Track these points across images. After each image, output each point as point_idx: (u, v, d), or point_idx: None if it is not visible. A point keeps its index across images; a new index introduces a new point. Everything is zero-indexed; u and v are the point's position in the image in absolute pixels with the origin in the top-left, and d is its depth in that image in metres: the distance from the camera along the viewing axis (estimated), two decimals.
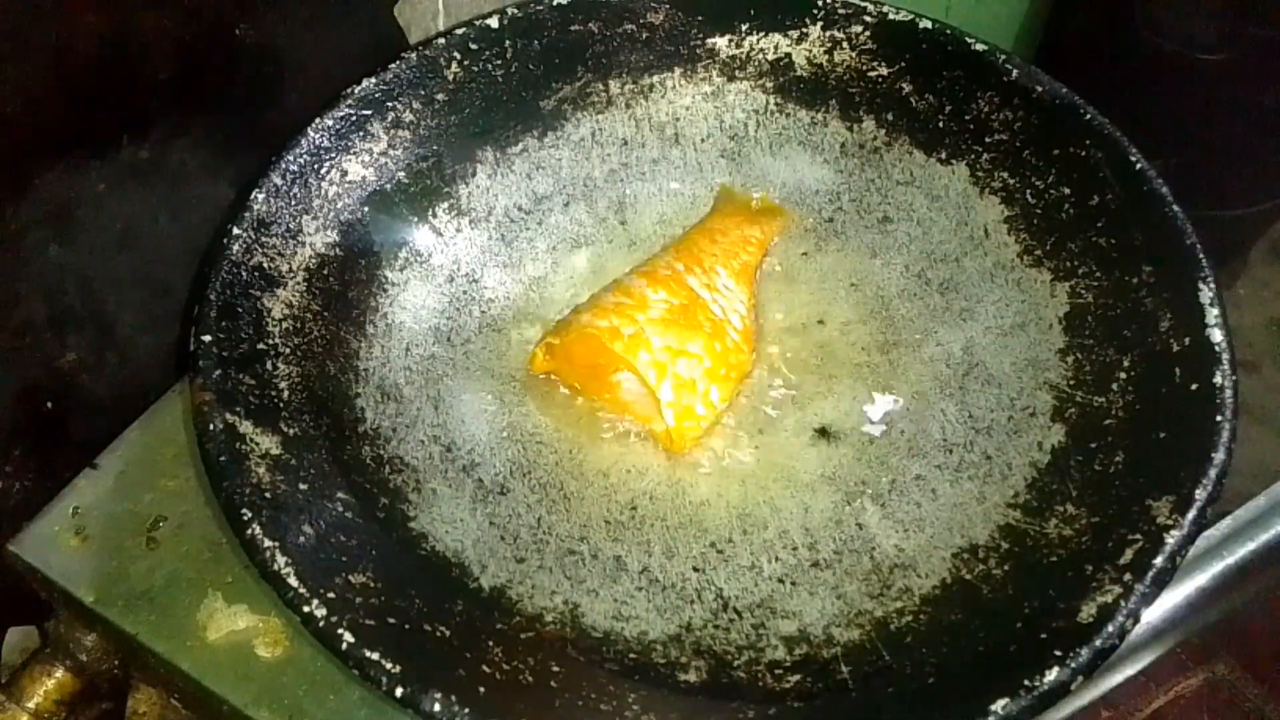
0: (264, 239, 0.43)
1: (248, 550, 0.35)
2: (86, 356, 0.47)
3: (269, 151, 0.45)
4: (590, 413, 0.46)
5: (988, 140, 0.48)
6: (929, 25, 0.49)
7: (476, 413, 0.45)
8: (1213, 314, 0.39)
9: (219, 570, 0.44)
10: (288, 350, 0.42)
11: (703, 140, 0.52)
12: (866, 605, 0.39)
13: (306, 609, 0.33)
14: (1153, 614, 0.42)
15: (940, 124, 0.49)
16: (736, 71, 0.52)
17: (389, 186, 0.47)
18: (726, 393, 0.45)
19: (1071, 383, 0.42)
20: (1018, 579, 0.38)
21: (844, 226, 0.51)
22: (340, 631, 0.33)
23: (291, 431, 0.39)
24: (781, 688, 0.36)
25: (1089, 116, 0.45)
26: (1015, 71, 0.47)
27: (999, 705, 0.32)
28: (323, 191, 0.45)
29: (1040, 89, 0.46)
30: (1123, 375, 0.41)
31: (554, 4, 0.50)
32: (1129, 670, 0.46)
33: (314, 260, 0.44)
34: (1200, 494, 0.36)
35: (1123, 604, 0.34)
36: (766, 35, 0.51)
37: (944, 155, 0.49)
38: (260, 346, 0.41)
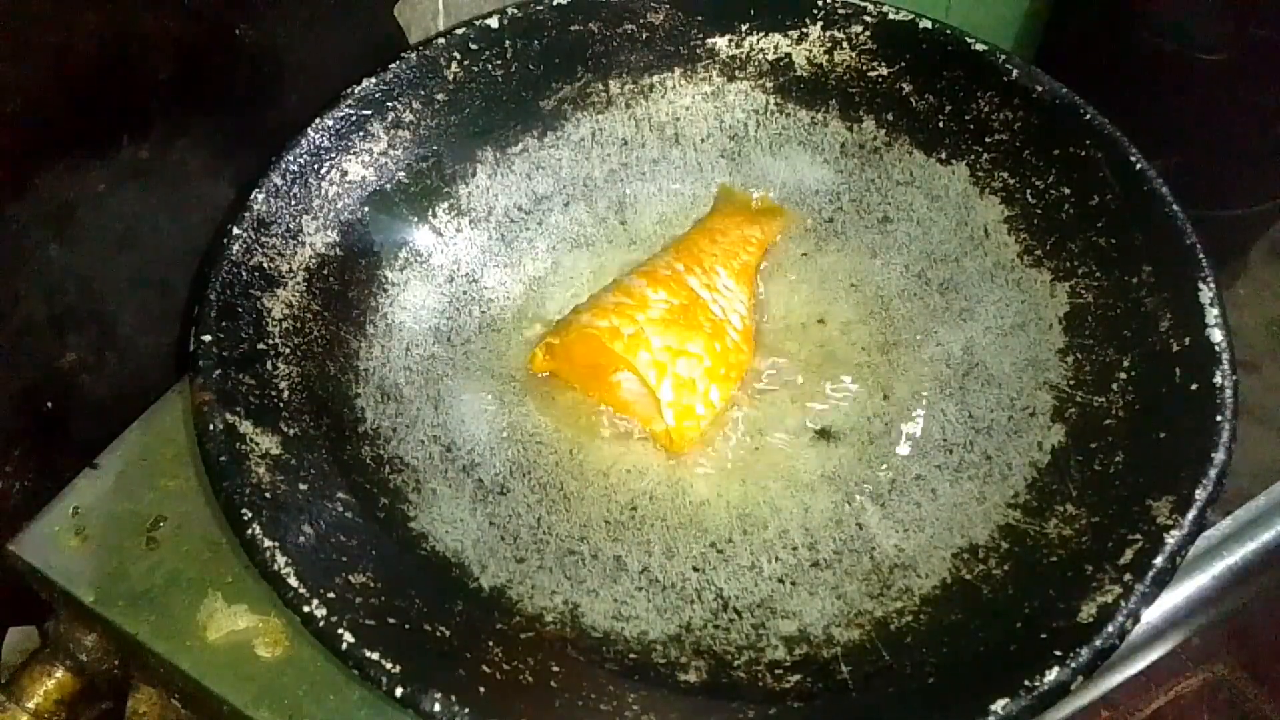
0: (264, 239, 0.43)
1: (248, 550, 0.35)
2: (86, 356, 0.47)
3: (269, 151, 0.45)
4: (590, 413, 0.46)
5: (988, 140, 0.48)
6: (929, 25, 0.49)
7: (476, 413, 0.45)
8: (1213, 314, 0.39)
9: (219, 570, 0.44)
10: (288, 350, 0.42)
11: (703, 140, 0.52)
12: (866, 605, 0.39)
13: (306, 609, 0.33)
14: (1153, 614, 0.42)
15: (940, 124, 0.49)
16: (736, 71, 0.52)
17: (389, 186, 0.47)
18: (726, 392, 0.45)
19: (1071, 383, 0.42)
20: (1018, 579, 0.38)
21: (844, 226, 0.51)
22: (340, 631, 0.33)
23: (291, 431, 0.39)
24: (781, 688, 0.36)
25: (1089, 116, 0.45)
26: (1015, 71, 0.47)
27: (999, 705, 0.32)
28: (323, 191, 0.45)
29: (1040, 89, 0.46)
30: (1123, 375, 0.41)
31: (554, 4, 0.50)
32: (1129, 670, 0.46)
33: (314, 260, 0.44)
34: (1200, 494, 0.36)
35: (1123, 604, 0.34)
36: (766, 35, 0.51)
37: (944, 155, 0.49)
38: (260, 346, 0.41)
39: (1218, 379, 0.38)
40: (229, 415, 0.38)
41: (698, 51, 0.51)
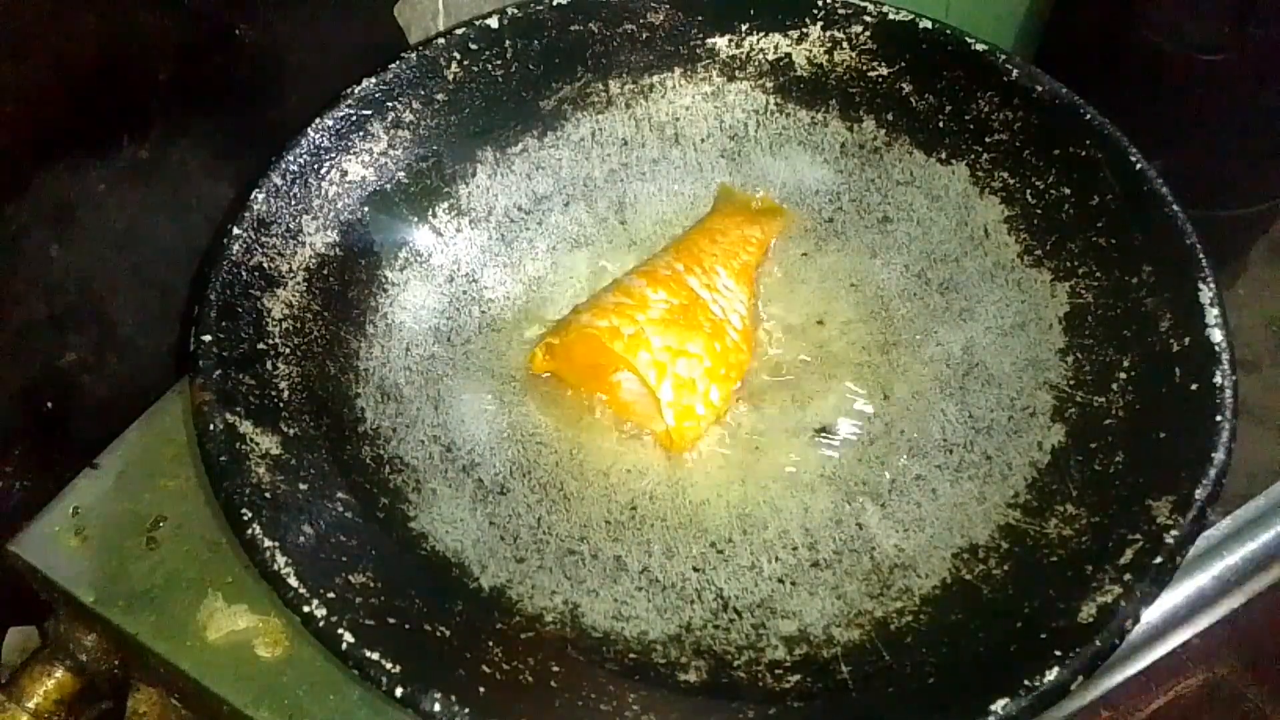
0: (264, 239, 0.43)
1: (248, 550, 0.35)
2: (86, 356, 0.47)
3: (269, 151, 0.45)
4: (590, 413, 0.46)
5: (988, 140, 0.48)
6: (929, 25, 0.49)
7: (476, 413, 0.45)
8: (1213, 314, 0.39)
9: (219, 570, 0.44)
10: (288, 350, 0.42)
11: (703, 140, 0.52)
12: (866, 605, 0.39)
13: (306, 609, 0.33)
14: (1153, 614, 0.42)
15: (940, 124, 0.49)
16: (736, 71, 0.52)
17: (389, 186, 0.47)
18: (726, 392, 0.45)
19: (1071, 383, 0.42)
20: (1018, 579, 0.38)
21: (844, 226, 0.51)
22: (340, 631, 0.33)
23: (291, 431, 0.39)
24: (781, 688, 0.36)
25: (1089, 116, 0.45)
26: (1015, 71, 0.47)
27: (999, 705, 0.32)
28: (323, 191, 0.45)
29: (1040, 89, 0.46)
30: (1123, 375, 0.41)
31: (554, 4, 0.50)
32: (1129, 670, 0.46)
33: (314, 260, 0.44)
34: (1200, 494, 0.36)
35: (1123, 604, 0.34)
36: (766, 35, 0.51)
37: (944, 155, 0.49)
38: (260, 346, 0.41)
39: (1218, 379, 0.38)
40: (229, 415, 0.38)
41: (698, 51, 0.51)
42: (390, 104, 0.47)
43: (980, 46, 0.48)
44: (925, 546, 0.40)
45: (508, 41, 0.49)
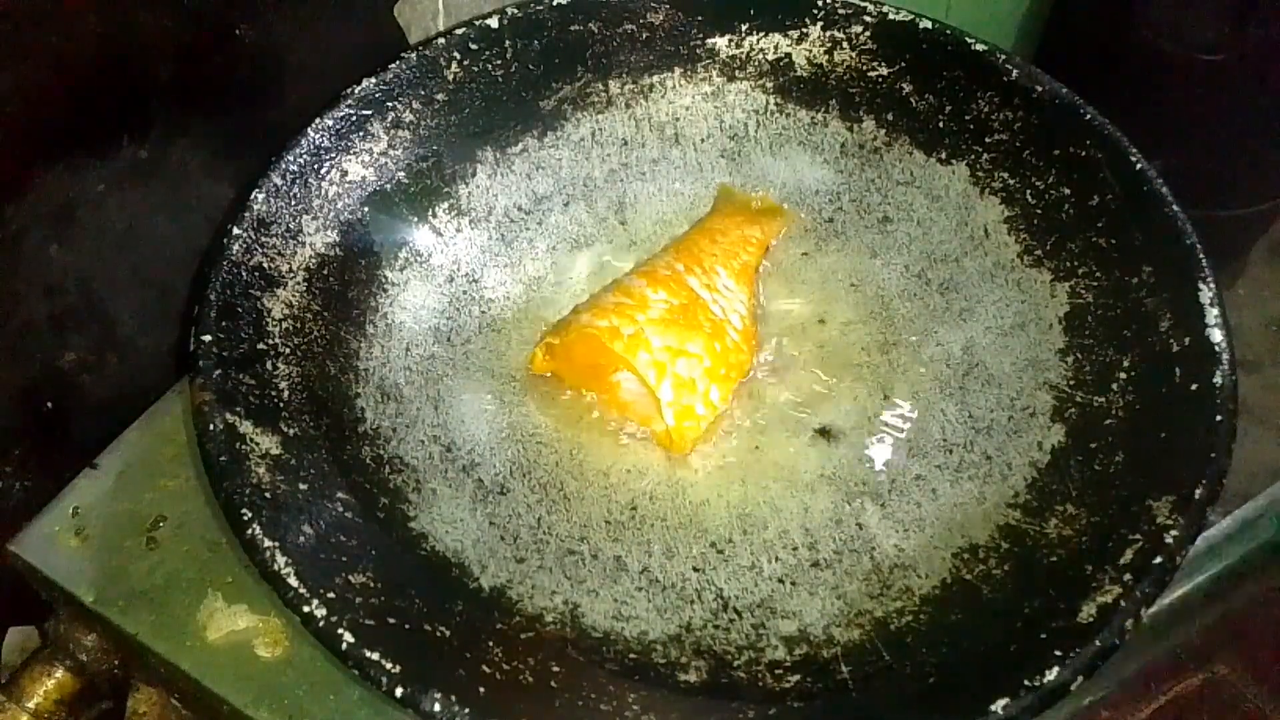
0: (264, 239, 0.43)
1: (248, 550, 0.35)
2: (86, 356, 0.47)
3: (269, 151, 0.45)
4: (590, 413, 0.46)
5: (988, 140, 0.48)
6: (929, 25, 0.49)
7: (476, 413, 0.45)
8: (1213, 314, 0.39)
9: (219, 570, 0.44)
10: (288, 350, 0.42)
11: (703, 140, 0.52)
12: (866, 605, 0.39)
13: (306, 609, 0.33)
14: (1153, 614, 0.42)
15: (940, 124, 0.49)
16: (736, 71, 0.52)
17: (389, 186, 0.47)
18: (726, 392, 0.45)
19: (1071, 383, 0.42)
20: (1018, 579, 0.38)
21: (844, 226, 0.51)
22: (340, 631, 0.33)
23: (291, 431, 0.39)
24: (781, 688, 0.36)
25: (1089, 116, 0.45)
26: (1015, 71, 0.47)
27: (999, 705, 0.32)
28: (323, 191, 0.45)
29: (1040, 89, 0.46)
30: (1123, 375, 0.41)
31: (554, 4, 0.50)
32: (1129, 670, 0.46)
33: (314, 260, 0.44)
34: (1200, 494, 0.36)
35: (1123, 604, 0.34)
36: (766, 35, 0.51)
37: (944, 155, 0.49)
38: (260, 346, 0.41)
39: (1218, 379, 0.38)
40: (229, 415, 0.38)
41: (698, 51, 0.51)
42: (390, 104, 0.47)
43: (980, 46, 0.48)
44: (925, 546, 0.40)
45: (508, 41, 0.49)
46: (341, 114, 0.46)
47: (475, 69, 0.49)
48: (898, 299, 0.48)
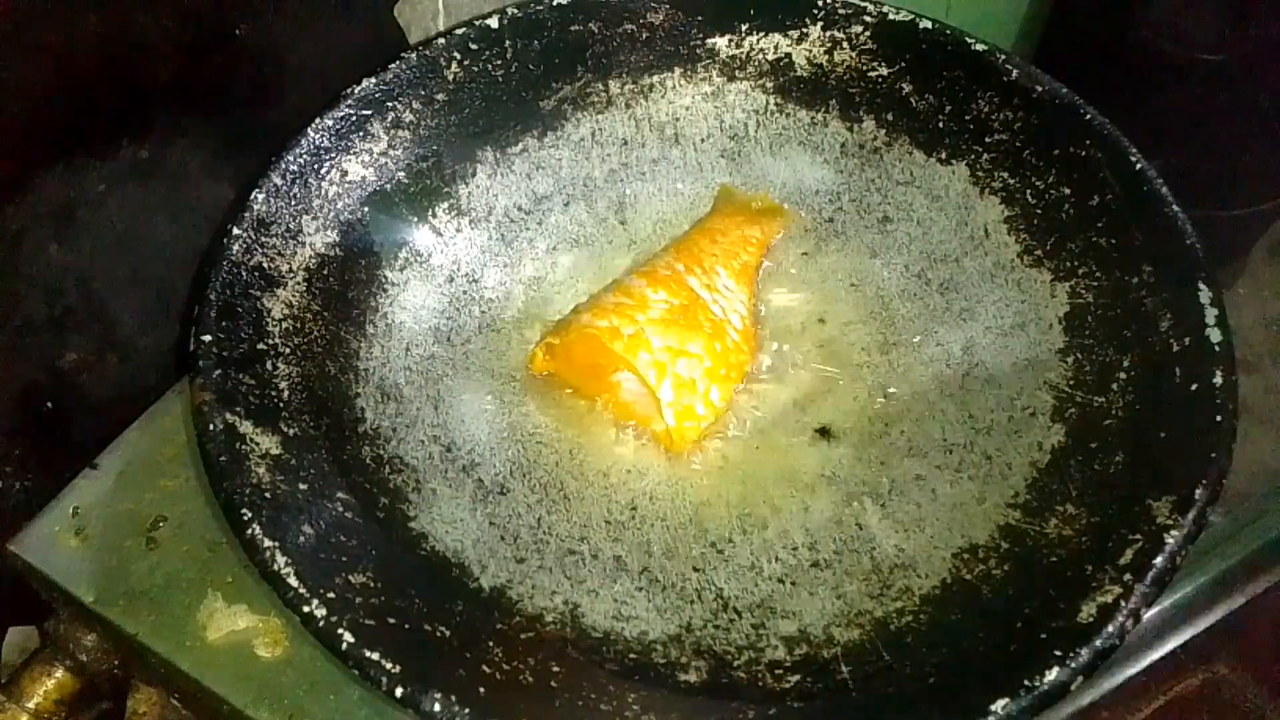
0: (264, 239, 0.43)
1: (248, 550, 0.35)
2: (86, 356, 0.47)
3: (269, 151, 0.45)
4: (590, 413, 0.46)
5: (988, 140, 0.48)
6: (929, 25, 0.49)
7: (476, 413, 0.45)
8: (1213, 314, 0.39)
9: (219, 570, 0.44)
10: (288, 350, 0.42)
11: (703, 140, 0.52)
12: (866, 605, 0.39)
13: (306, 609, 0.33)
14: (1153, 614, 0.42)
15: (940, 124, 0.49)
16: (736, 71, 0.52)
17: (389, 186, 0.47)
18: (726, 393, 0.45)
19: (1071, 383, 0.42)
20: (1018, 579, 0.38)
21: (844, 226, 0.51)
22: (340, 631, 0.33)
23: (291, 431, 0.39)
24: (781, 688, 0.36)
25: (1089, 116, 0.45)
26: (1015, 71, 0.47)
27: (999, 705, 0.32)
28: (323, 191, 0.45)
29: (1040, 89, 0.46)
30: (1123, 375, 0.41)
31: (554, 4, 0.50)
32: (1129, 670, 0.46)
33: (314, 260, 0.44)
34: (1200, 494, 0.36)
35: (1123, 604, 0.34)
36: (766, 35, 0.51)
37: (944, 155, 0.49)
38: (260, 346, 0.41)
39: (1218, 379, 0.38)
40: (229, 415, 0.38)
41: (698, 51, 0.51)
42: (390, 104, 0.47)
43: (980, 46, 0.48)
44: (925, 546, 0.40)
45: (508, 41, 0.49)
46: (341, 114, 0.46)
47: (475, 69, 0.49)
48: (898, 299, 0.48)
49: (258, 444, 0.38)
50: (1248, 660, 0.48)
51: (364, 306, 0.46)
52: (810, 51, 0.51)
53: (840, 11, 0.50)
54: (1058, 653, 0.33)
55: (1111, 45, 0.58)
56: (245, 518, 0.35)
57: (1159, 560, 0.35)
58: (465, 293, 0.48)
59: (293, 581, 0.34)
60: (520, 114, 0.50)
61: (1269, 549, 0.48)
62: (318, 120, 0.46)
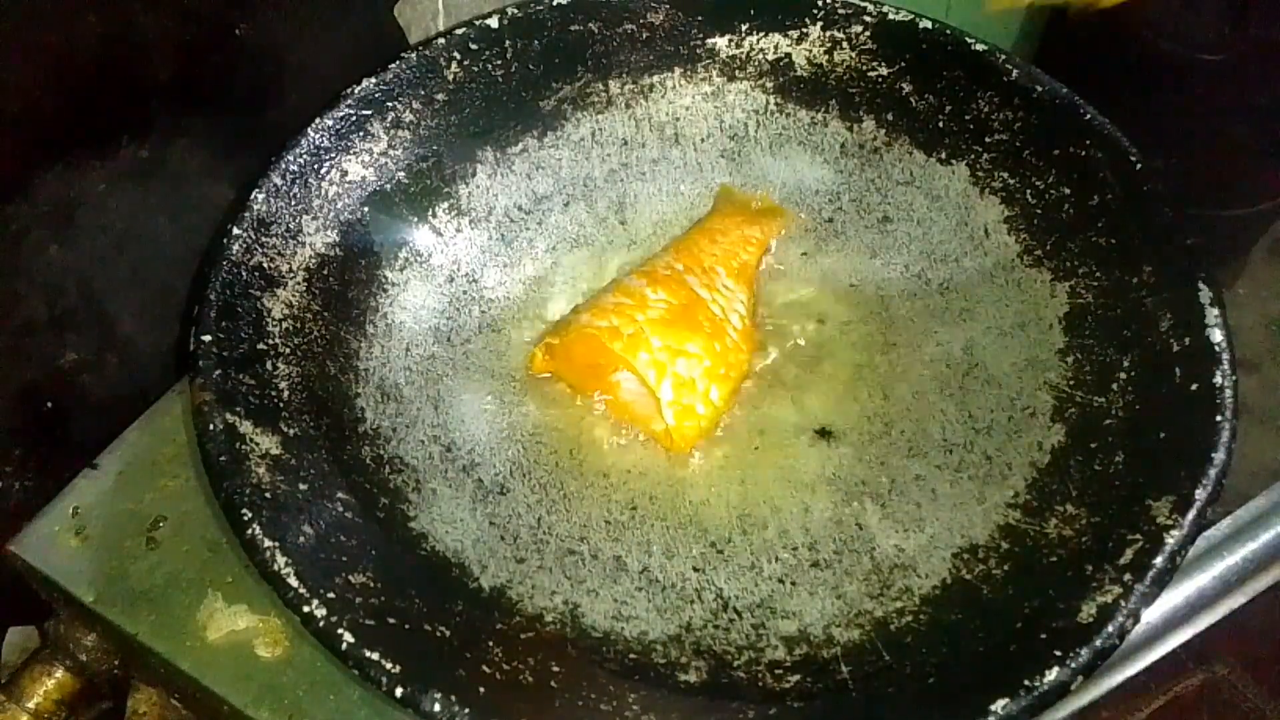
0: (264, 239, 0.43)
1: (248, 550, 0.35)
2: (86, 356, 0.47)
3: (269, 151, 0.45)
4: (590, 413, 0.46)
5: (988, 140, 0.48)
6: (929, 25, 0.49)
7: (476, 413, 0.45)
8: (1213, 314, 0.39)
9: (219, 570, 0.44)
10: (288, 350, 0.42)
11: (703, 140, 0.52)
12: (866, 605, 0.39)
13: (306, 609, 0.33)
14: (1153, 614, 0.42)
15: (940, 124, 0.49)
16: (736, 71, 0.52)
17: (389, 186, 0.47)
18: (726, 392, 0.45)
19: (1071, 383, 0.42)
20: (1018, 579, 0.38)
21: (844, 226, 0.51)
22: (340, 631, 0.33)
23: (291, 431, 0.39)
24: (781, 688, 0.36)
25: (1089, 116, 0.45)
26: (1015, 71, 0.47)
27: (999, 705, 0.32)
28: (323, 191, 0.45)
29: (1040, 89, 0.46)
30: (1123, 375, 0.41)
31: (554, 4, 0.50)
32: (1129, 670, 0.46)
33: (314, 260, 0.44)
34: (1200, 494, 0.36)
35: (1123, 604, 0.34)
36: (766, 35, 0.51)
37: (944, 155, 0.49)
38: (260, 346, 0.41)
39: (1218, 379, 0.38)
40: (229, 415, 0.38)
41: (698, 51, 0.51)
42: (390, 104, 0.47)
43: (980, 46, 0.48)
44: (925, 546, 0.40)
45: (508, 41, 0.49)
46: (341, 114, 0.46)
47: (475, 69, 0.49)
48: (898, 299, 0.48)
49: (258, 444, 0.38)
50: (1248, 660, 0.48)
51: (364, 306, 0.46)
52: (810, 51, 0.51)
53: (840, 11, 0.50)
54: (1058, 653, 0.33)
55: (1111, 45, 0.58)
56: (245, 518, 0.35)
57: (1159, 560, 0.35)
58: (465, 293, 0.48)
59: (293, 581, 0.34)
60: (520, 114, 0.50)
61: (1269, 549, 0.48)
62: (318, 120, 0.46)
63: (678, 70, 0.52)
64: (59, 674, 0.45)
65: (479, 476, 0.43)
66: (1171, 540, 0.35)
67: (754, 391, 0.46)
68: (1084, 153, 0.45)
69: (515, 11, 0.49)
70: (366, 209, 0.47)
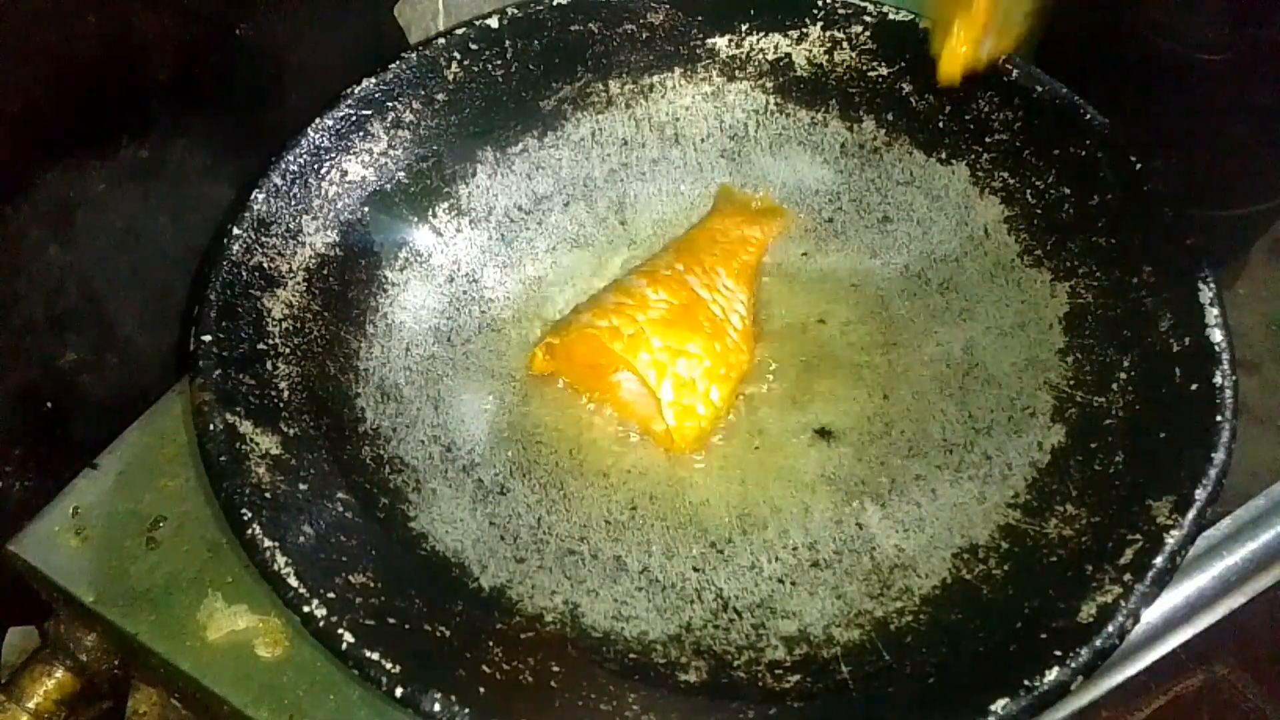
0: (264, 239, 0.43)
1: (248, 550, 0.35)
2: (86, 356, 0.47)
3: (269, 151, 0.45)
4: (590, 413, 0.46)
5: (988, 140, 0.48)
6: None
7: (476, 413, 0.45)
8: (1213, 314, 0.39)
9: (219, 570, 0.44)
10: (288, 350, 0.42)
11: (703, 140, 0.52)
12: (866, 605, 0.39)
13: (306, 609, 0.33)
14: (1153, 614, 0.42)
15: (940, 124, 0.49)
16: (736, 71, 0.52)
17: (389, 186, 0.47)
18: (726, 392, 0.45)
19: (1071, 383, 0.42)
20: (1018, 579, 0.38)
21: (844, 226, 0.51)
22: (340, 631, 0.33)
23: (291, 431, 0.39)
24: (781, 688, 0.36)
25: (1089, 116, 0.45)
26: (1015, 71, 0.47)
27: (999, 705, 0.32)
28: (323, 191, 0.45)
29: (1040, 89, 0.46)
30: (1123, 375, 0.41)
31: (554, 4, 0.50)
32: (1129, 670, 0.46)
33: (314, 260, 0.44)
34: (1200, 494, 0.36)
35: (1123, 604, 0.34)
36: (766, 35, 0.51)
37: (944, 155, 0.49)
38: (260, 346, 0.41)
39: (1218, 379, 0.38)
40: (229, 415, 0.38)
41: (698, 51, 0.51)
42: (390, 104, 0.47)
43: None
44: (925, 546, 0.40)
45: (508, 41, 0.49)
46: (341, 114, 0.46)
47: (475, 69, 0.49)
48: (898, 299, 0.48)
49: (258, 444, 0.38)
50: (1248, 660, 0.48)
51: (364, 306, 0.46)
52: (810, 51, 0.51)
53: (840, 11, 0.50)
54: (1058, 653, 0.33)
55: (1111, 45, 0.58)
56: (245, 518, 0.35)
57: (1159, 560, 0.35)
58: (465, 293, 0.48)
59: (293, 581, 0.34)
60: (520, 114, 0.50)
61: (1269, 549, 0.48)
62: (318, 120, 0.46)
63: (678, 70, 0.52)
64: (59, 674, 0.45)
65: (479, 476, 0.43)
66: (1171, 540, 0.35)
67: (754, 391, 0.46)
68: (1084, 153, 0.45)
69: (515, 11, 0.49)
70: (366, 209, 0.47)
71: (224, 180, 0.51)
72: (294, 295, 0.43)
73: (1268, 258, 0.73)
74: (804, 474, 0.43)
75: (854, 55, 0.50)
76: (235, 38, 0.48)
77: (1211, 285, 0.40)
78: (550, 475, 0.43)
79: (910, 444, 0.44)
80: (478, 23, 0.49)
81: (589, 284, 0.49)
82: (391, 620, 0.35)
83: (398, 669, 0.32)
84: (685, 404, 0.44)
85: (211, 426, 0.37)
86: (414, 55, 0.48)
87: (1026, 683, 0.32)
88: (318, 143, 0.46)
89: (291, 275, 0.44)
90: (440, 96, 0.49)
